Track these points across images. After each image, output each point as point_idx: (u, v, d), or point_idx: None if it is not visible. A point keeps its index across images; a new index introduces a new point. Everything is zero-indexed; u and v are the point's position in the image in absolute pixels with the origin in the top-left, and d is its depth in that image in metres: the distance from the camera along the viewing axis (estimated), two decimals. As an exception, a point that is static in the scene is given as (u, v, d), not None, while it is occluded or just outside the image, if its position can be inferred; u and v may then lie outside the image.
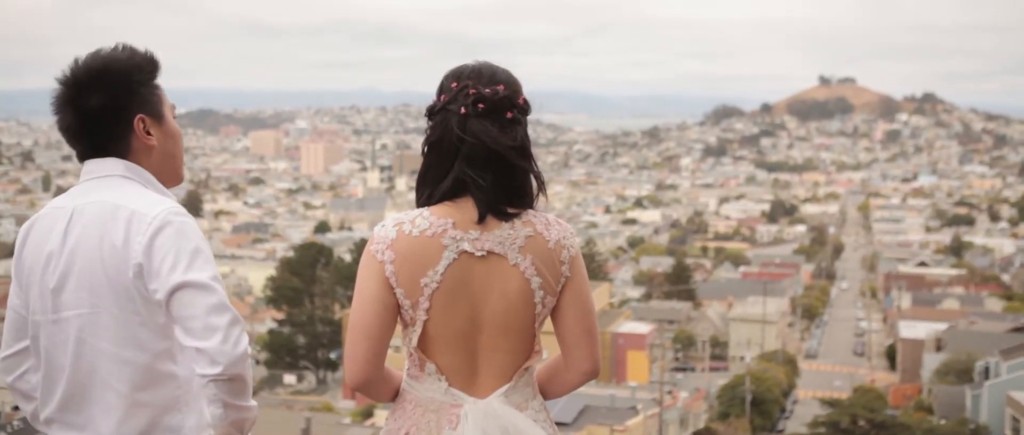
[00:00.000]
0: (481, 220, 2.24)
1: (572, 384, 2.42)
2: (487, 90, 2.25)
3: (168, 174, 2.40)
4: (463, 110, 2.24)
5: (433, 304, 2.24)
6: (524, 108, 2.31)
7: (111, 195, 2.25)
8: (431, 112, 2.32)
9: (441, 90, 2.31)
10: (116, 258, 2.18)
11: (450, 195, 2.26)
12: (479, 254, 2.24)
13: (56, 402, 2.29)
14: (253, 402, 2.23)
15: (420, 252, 2.22)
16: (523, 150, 2.28)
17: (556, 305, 2.33)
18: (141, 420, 2.24)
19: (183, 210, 2.24)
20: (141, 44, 2.36)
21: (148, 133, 2.33)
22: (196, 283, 2.14)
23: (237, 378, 2.14)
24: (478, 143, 2.22)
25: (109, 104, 2.28)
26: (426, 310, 2.25)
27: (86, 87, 2.27)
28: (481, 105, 2.23)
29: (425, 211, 2.27)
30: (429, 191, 2.30)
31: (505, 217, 2.26)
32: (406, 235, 2.23)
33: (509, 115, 2.26)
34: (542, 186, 2.32)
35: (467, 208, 2.25)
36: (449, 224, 2.24)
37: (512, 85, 2.31)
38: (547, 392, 2.45)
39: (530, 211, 2.32)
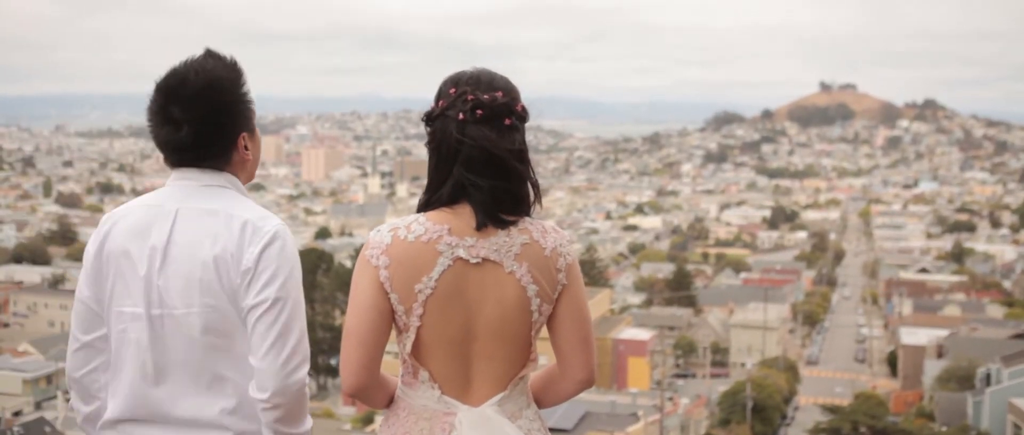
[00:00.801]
0: (479, 227, 2.23)
1: (567, 393, 2.40)
2: (485, 96, 2.24)
3: (249, 177, 2.44)
4: (461, 116, 2.23)
5: (427, 310, 2.23)
6: (522, 115, 2.29)
7: (219, 204, 2.29)
8: (429, 118, 2.30)
9: (439, 96, 2.30)
10: (227, 262, 2.23)
11: (449, 201, 2.25)
12: (474, 261, 2.23)
13: (152, 396, 2.29)
14: (304, 428, 2.30)
15: (415, 257, 2.21)
16: (521, 155, 2.26)
17: (552, 313, 2.31)
18: (248, 408, 2.30)
19: (286, 226, 2.30)
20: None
21: (246, 148, 2.37)
22: (276, 301, 2.22)
23: (281, 406, 2.23)
24: (476, 147, 2.21)
25: (217, 122, 2.30)
26: (420, 316, 2.23)
27: (191, 104, 2.28)
28: (479, 111, 2.22)
29: (421, 216, 2.26)
30: (428, 196, 2.29)
31: (502, 224, 2.25)
32: (401, 240, 2.22)
33: (507, 122, 2.25)
34: (538, 194, 2.30)
35: (465, 214, 2.24)
36: (445, 230, 2.23)
37: (510, 92, 2.29)
38: (542, 401, 2.44)
39: (526, 218, 2.30)
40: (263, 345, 2.22)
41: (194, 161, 2.33)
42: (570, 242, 2.35)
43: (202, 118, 2.28)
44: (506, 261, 2.24)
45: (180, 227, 2.27)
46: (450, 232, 2.22)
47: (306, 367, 2.25)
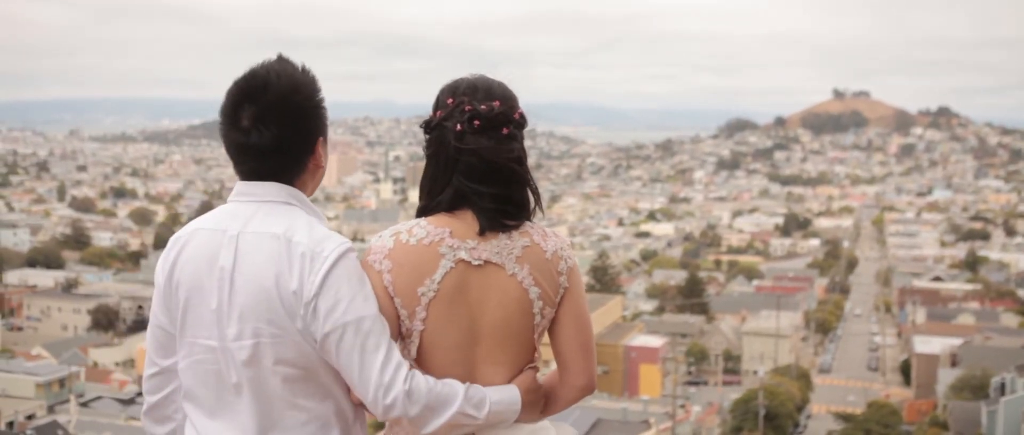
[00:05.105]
0: (482, 233, 2.23)
1: (568, 400, 2.37)
2: (483, 107, 2.24)
3: (314, 188, 2.36)
4: (459, 127, 2.23)
5: (430, 313, 2.22)
6: (520, 122, 2.29)
7: (280, 225, 2.20)
8: (428, 126, 2.31)
9: (437, 106, 2.31)
10: (288, 291, 2.14)
11: (449, 207, 2.26)
12: (476, 263, 2.23)
13: (230, 421, 2.23)
14: (445, 415, 2.16)
15: (417, 261, 2.21)
16: (520, 162, 2.27)
17: (554, 318, 2.31)
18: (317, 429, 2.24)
19: (351, 245, 2.22)
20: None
21: (320, 154, 2.31)
22: (348, 326, 2.13)
23: (399, 420, 2.18)
24: (475, 156, 2.22)
25: (299, 127, 2.24)
26: (423, 320, 2.23)
27: (274, 108, 2.21)
28: (477, 122, 2.23)
29: (422, 221, 2.27)
30: (427, 203, 2.30)
31: (504, 229, 2.25)
32: (403, 244, 2.22)
33: (505, 131, 2.25)
34: (538, 200, 2.31)
35: (466, 219, 2.25)
36: (446, 233, 2.23)
37: (508, 100, 2.29)
38: (544, 408, 2.41)
39: (527, 222, 2.30)
40: (352, 372, 2.14)
41: (268, 169, 2.25)
42: (569, 246, 2.34)
43: (285, 123, 2.21)
44: (508, 263, 2.24)
45: (243, 254, 2.19)
46: (452, 235, 2.22)
47: (401, 377, 2.13)
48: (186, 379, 2.27)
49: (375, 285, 2.21)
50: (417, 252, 2.21)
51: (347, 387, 2.27)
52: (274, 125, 2.21)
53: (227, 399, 2.22)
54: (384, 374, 2.12)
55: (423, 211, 2.30)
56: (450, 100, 2.28)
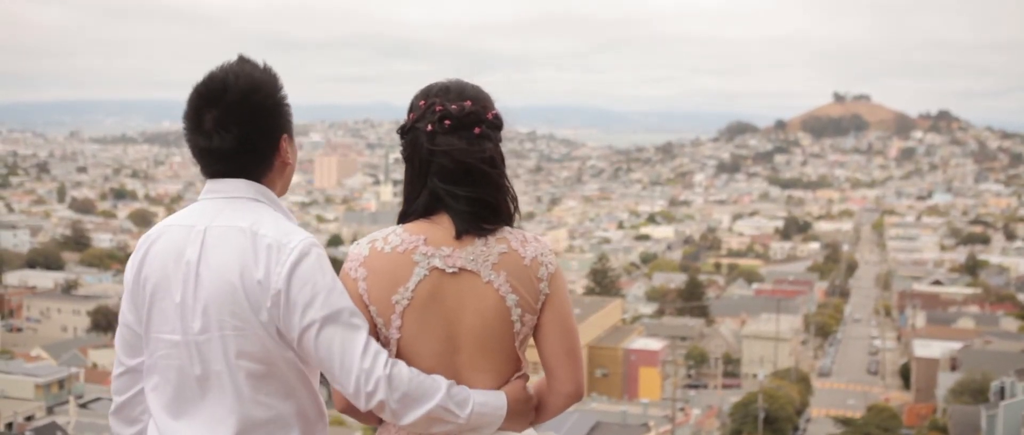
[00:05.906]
0: (458, 236, 2.21)
1: (556, 407, 2.34)
2: (453, 106, 2.23)
3: (285, 186, 2.38)
4: (430, 127, 2.22)
5: (405, 322, 2.20)
6: (494, 122, 2.27)
7: (246, 220, 2.22)
8: (402, 131, 2.30)
9: (411, 109, 2.30)
10: (253, 284, 2.15)
11: (425, 212, 2.25)
12: (450, 270, 2.20)
13: (192, 419, 2.23)
14: (426, 406, 2.15)
15: (391, 269, 2.20)
16: (492, 163, 2.24)
17: (537, 324, 2.28)
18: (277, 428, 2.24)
19: (316, 240, 2.22)
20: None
21: (286, 152, 2.32)
22: (325, 320, 2.14)
23: (382, 407, 2.14)
24: (447, 157, 2.20)
25: (260, 127, 2.25)
26: (398, 328, 2.21)
27: (234, 109, 2.22)
28: (447, 121, 2.22)
29: (399, 228, 2.26)
30: (406, 208, 2.29)
31: (481, 233, 2.23)
32: (379, 252, 2.21)
33: (477, 130, 2.23)
34: (515, 203, 2.28)
35: (443, 224, 2.23)
36: (420, 240, 2.21)
37: (481, 101, 2.27)
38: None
39: (506, 228, 2.27)
40: (332, 363, 2.15)
41: (234, 170, 2.26)
42: (551, 252, 2.30)
43: (246, 123, 2.22)
44: (483, 271, 2.22)
45: (209, 247, 2.20)
46: (426, 242, 2.20)
47: (381, 363, 2.13)
48: (150, 377, 2.28)
49: (350, 293, 2.20)
50: (391, 260, 2.20)
51: (311, 389, 2.28)
52: (235, 126, 2.21)
53: (189, 396, 2.23)
54: (364, 361, 2.12)
55: (403, 216, 2.29)
56: (422, 102, 2.27)
